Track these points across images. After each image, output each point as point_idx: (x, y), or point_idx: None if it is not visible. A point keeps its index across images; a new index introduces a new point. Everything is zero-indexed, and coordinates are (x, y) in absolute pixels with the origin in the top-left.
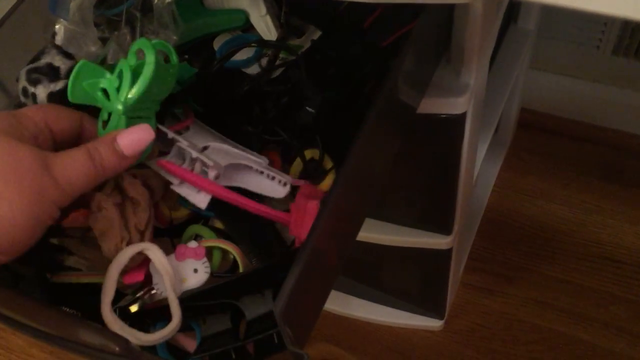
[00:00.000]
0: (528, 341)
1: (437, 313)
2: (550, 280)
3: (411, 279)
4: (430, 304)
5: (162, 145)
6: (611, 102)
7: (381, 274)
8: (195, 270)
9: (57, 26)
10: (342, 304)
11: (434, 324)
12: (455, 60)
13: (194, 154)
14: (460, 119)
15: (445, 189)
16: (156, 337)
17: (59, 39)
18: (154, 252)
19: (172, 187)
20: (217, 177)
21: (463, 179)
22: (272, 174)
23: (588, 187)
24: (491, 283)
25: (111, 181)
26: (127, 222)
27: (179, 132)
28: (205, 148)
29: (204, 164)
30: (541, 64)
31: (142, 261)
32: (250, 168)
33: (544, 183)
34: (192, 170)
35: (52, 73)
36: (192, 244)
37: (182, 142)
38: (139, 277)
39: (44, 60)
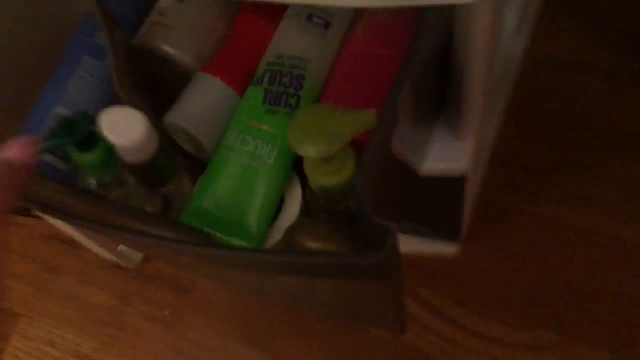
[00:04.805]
0: (560, 242)
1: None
2: (586, 171)
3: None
4: None
5: None
6: None
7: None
8: None
9: None
10: None
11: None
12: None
13: None
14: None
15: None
16: None
17: None
18: None
19: None
20: None
21: None
22: None
23: (633, 50)
24: (518, 178)
25: None
26: None
27: None
28: None
29: None
30: None
31: None
32: None
33: (579, 50)
34: None
35: None
36: None
37: None
38: None
39: None
